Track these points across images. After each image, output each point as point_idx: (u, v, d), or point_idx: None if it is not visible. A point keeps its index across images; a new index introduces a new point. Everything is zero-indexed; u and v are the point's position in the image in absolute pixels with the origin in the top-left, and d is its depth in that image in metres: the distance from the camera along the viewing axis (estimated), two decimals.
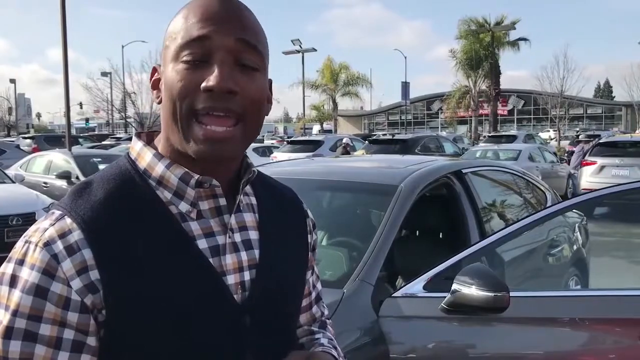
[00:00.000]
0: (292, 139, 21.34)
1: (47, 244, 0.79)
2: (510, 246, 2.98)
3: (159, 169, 0.88)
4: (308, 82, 38.79)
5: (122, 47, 35.14)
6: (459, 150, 17.47)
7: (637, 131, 32.72)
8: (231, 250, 0.90)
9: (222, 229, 0.90)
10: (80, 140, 26.04)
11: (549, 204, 4.25)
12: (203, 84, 0.81)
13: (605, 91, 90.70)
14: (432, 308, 2.20)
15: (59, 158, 10.68)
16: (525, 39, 37.01)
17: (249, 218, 0.95)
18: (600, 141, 13.01)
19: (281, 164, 4.28)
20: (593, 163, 11.70)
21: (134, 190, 0.86)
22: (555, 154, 17.29)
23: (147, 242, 0.83)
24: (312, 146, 16.94)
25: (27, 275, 0.78)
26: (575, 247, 4.17)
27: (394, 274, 3.34)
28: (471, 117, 37.80)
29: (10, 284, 0.79)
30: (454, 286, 2.11)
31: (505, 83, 38.01)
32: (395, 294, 2.30)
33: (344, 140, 16.25)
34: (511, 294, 2.00)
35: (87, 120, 55.00)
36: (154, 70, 0.91)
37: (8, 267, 0.80)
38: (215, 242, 0.89)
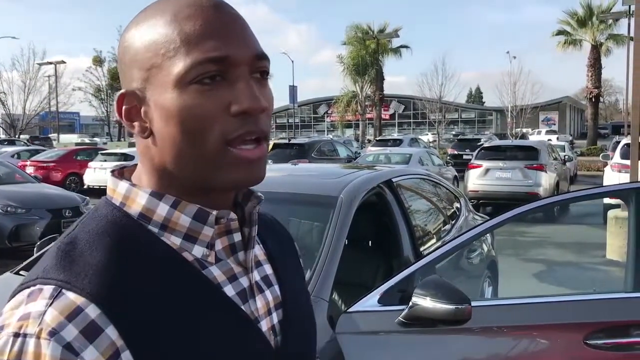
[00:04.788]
0: None
1: (54, 333, 0.58)
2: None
3: (161, 210, 0.70)
4: None
5: None
6: (352, 154, 17.89)
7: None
8: (257, 291, 0.78)
9: (242, 269, 0.77)
10: None
11: (462, 209, 4.43)
12: (235, 108, 0.67)
13: (476, 97, 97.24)
14: (388, 322, 2.19)
15: None
16: (406, 47, 38.78)
17: (258, 251, 0.83)
18: (485, 145, 13.89)
19: None
20: (479, 166, 12.45)
21: (137, 244, 0.68)
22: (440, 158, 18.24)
23: (174, 304, 0.67)
24: None
25: None
26: (486, 249, 4.38)
27: (339, 286, 3.32)
28: (357, 120, 38.96)
29: None
30: (413, 299, 2.11)
31: (386, 88, 39.60)
32: (350, 309, 2.26)
33: None
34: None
35: None
36: (124, 97, 0.70)
37: None
38: (241, 286, 0.75)
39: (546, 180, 11.97)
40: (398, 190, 3.36)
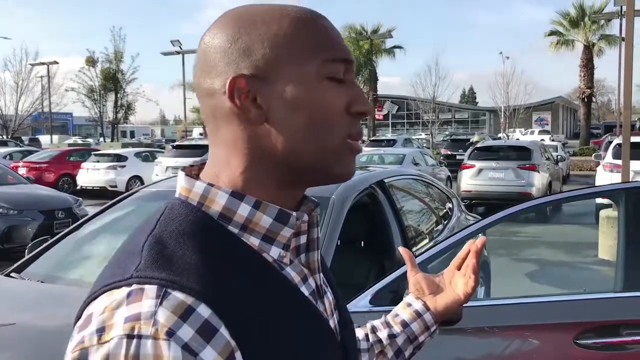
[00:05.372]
0: (177, 143, 20.58)
1: (171, 333, 0.56)
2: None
3: (242, 211, 0.69)
4: (189, 84, 37.87)
5: None
6: None
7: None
8: (322, 292, 0.78)
9: (308, 270, 0.77)
10: None
11: (454, 209, 4.44)
12: (356, 108, 0.72)
13: (469, 97, 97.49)
14: None
15: None
16: (400, 47, 38.87)
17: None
18: (477, 146, 13.93)
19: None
20: (471, 166, 12.49)
21: (223, 245, 0.68)
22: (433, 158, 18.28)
23: (266, 304, 0.66)
24: (199, 151, 16.48)
25: None
26: None
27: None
28: None
29: None
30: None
31: (380, 89, 39.67)
32: None
33: None
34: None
35: None
36: (235, 81, 0.69)
37: None
38: (311, 287, 0.76)
39: (539, 180, 12.02)
40: (390, 190, 3.37)
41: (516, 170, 12.00)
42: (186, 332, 0.57)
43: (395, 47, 38.66)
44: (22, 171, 15.91)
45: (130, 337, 0.56)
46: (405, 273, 2.40)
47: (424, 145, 28.63)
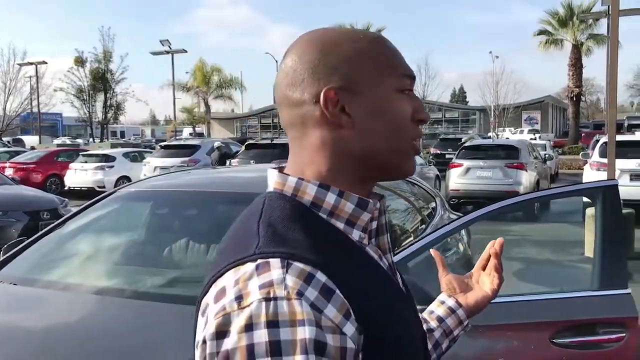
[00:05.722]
0: (165, 143, 20.48)
1: (300, 293, 0.67)
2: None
3: (330, 199, 0.82)
4: (179, 84, 37.77)
5: None
6: None
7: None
8: (394, 270, 0.92)
9: (380, 251, 0.90)
10: None
11: (438, 208, 4.43)
12: (419, 116, 0.87)
13: (460, 96, 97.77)
14: None
15: None
16: None
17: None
18: (465, 145, 13.96)
19: (169, 175, 4.02)
20: (460, 165, 12.51)
21: (321, 226, 0.80)
22: (422, 157, 18.28)
23: (363, 273, 0.79)
24: (188, 151, 16.41)
25: (294, 335, 0.65)
26: (462, 248, 4.38)
27: None
28: None
29: (273, 354, 0.64)
30: None
31: None
32: None
33: (215, 144, 15.92)
34: None
35: None
36: (332, 91, 0.82)
37: (255, 336, 0.65)
38: (386, 264, 0.89)
39: (526, 178, 12.06)
40: None
41: (504, 169, 12.03)
42: (311, 293, 0.68)
43: None
44: (9, 172, 15.78)
45: (267, 299, 0.66)
46: None
47: None
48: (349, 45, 0.84)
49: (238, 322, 0.66)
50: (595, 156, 11.38)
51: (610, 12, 17.37)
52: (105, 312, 2.33)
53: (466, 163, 12.44)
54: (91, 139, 41.43)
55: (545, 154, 15.72)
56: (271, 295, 0.67)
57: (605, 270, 2.29)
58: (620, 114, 63.63)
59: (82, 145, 29.93)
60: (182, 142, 20.15)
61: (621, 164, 10.42)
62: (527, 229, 10.02)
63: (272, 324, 0.65)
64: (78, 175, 16.98)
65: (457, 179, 12.40)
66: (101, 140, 38.44)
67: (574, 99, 36.07)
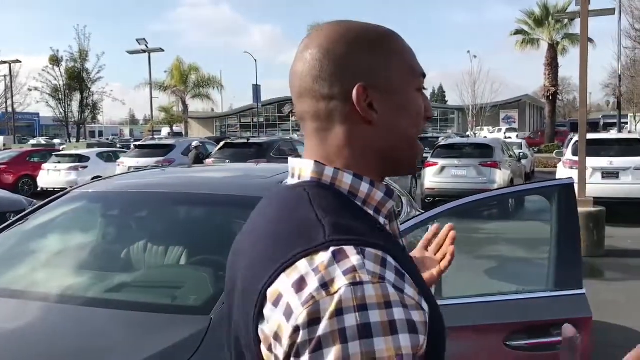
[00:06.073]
0: (140, 143, 20.22)
1: (382, 277, 0.71)
2: None
3: (364, 188, 0.86)
4: (156, 83, 37.37)
5: None
6: None
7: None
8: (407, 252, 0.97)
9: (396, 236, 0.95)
10: None
11: (404, 206, 4.39)
12: (429, 113, 0.93)
13: (439, 95, 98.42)
14: None
15: None
16: None
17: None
18: (440, 144, 13.99)
19: (127, 176, 3.90)
20: (435, 164, 12.53)
21: (363, 214, 0.84)
22: None
23: (403, 255, 0.83)
24: (162, 151, 16.21)
25: (383, 317, 0.68)
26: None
27: None
28: None
29: (364, 336, 0.67)
30: None
31: None
32: None
33: (193, 144, 15.78)
34: None
35: None
36: (363, 89, 0.85)
37: (347, 321, 0.67)
38: (404, 247, 0.95)
39: (500, 177, 12.11)
40: None
41: (478, 167, 12.08)
42: (390, 276, 0.71)
43: None
44: None
45: (354, 284, 0.68)
46: None
47: None
48: (377, 42, 0.88)
49: (329, 308, 0.68)
50: (568, 154, 11.48)
51: (580, 13, 17.56)
52: (49, 320, 2.23)
53: (441, 162, 12.47)
54: (68, 139, 40.79)
55: (519, 153, 15.81)
56: (357, 280, 0.69)
57: (561, 271, 2.26)
58: (596, 113, 64.59)
59: (57, 146, 29.46)
60: (156, 142, 19.90)
61: (593, 162, 10.51)
62: (501, 227, 10.05)
63: (362, 307, 0.68)
64: (51, 175, 16.69)
65: (432, 177, 12.42)
66: (77, 140, 37.86)
67: (551, 98, 36.42)
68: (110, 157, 17.82)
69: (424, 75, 0.92)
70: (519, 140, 22.83)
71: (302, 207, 0.81)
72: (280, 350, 0.71)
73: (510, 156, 13.77)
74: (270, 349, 0.73)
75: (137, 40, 31.23)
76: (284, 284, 0.72)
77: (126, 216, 3.10)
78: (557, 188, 2.34)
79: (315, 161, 0.87)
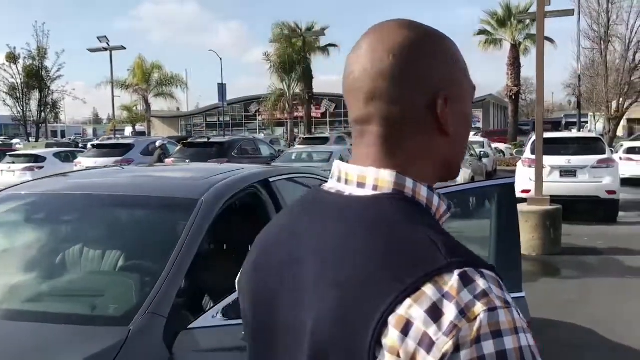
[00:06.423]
0: (97, 142, 19.76)
1: (507, 302, 0.70)
2: None
3: (435, 202, 0.84)
4: (118, 82, 36.59)
5: None
6: (275, 153, 17.65)
7: None
8: None
9: None
10: None
11: None
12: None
13: None
14: (233, 338, 1.99)
15: None
16: (334, 45, 38.84)
17: None
18: None
19: (54, 179, 3.67)
20: None
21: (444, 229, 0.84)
22: None
23: None
24: (120, 150, 15.85)
25: (516, 343, 0.67)
26: None
27: (200, 295, 3.09)
28: (287, 119, 38.69)
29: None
30: None
31: (318, 87, 39.49)
32: (191, 325, 2.04)
33: (157, 143, 15.52)
34: None
35: None
36: (442, 99, 0.84)
37: (485, 348, 0.66)
38: None
39: (461, 175, 12.10)
40: (276, 190, 3.17)
41: None
42: (509, 298, 0.71)
43: (329, 45, 38.45)
44: None
45: (490, 310, 0.67)
46: None
47: None
48: (450, 52, 0.87)
49: (469, 335, 0.66)
50: (527, 153, 11.58)
51: (546, 13, 17.78)
52: None
53: None
54: (27, 139, 39.67)
55: (480, 152, 15.94)
56: (492, 305, 0.68)
57: (499, 274, 2.18)
58: (558, 113, 65.86)
59: (14, 145, 28.60)
60: (114, 142, 19.49)
61: (551, 160, 10.63)
62: (463, 225, 10.05)
63: (497, 333, 0.67)
64: (5, 176, 16.14)
65: None
66: (37, 140, 36.86)
67: (513, 97, 36.93)
68: (68, 157, 17.36)
69: (474, 88, 0.92)
70: (482, 139, 23.09)
71: (403, 224, 0.77)
72: None
73: (472, 155, 13.84)
74: None
75: (99, 37, 30.59)
76: (413, 311, 0.68)
77: (51, 220, 2.92)
78: (497, 188, 2.27)
79: (397, 172, 0.82)
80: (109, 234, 2.80)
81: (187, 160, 12.70)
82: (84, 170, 4.34)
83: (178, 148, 15.19)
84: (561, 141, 12.02)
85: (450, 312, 0.67)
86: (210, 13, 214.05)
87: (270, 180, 3.20)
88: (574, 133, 17.68)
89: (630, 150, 17.56)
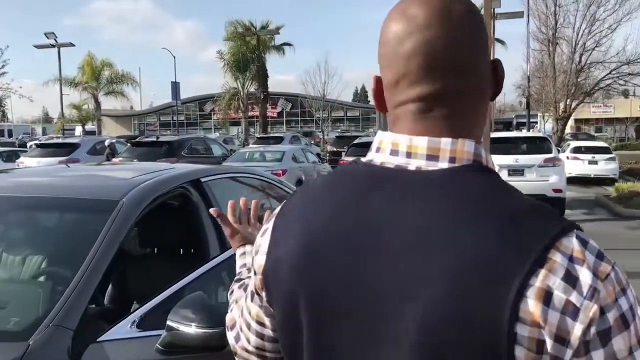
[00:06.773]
0: (41, 142, 19.10)
1: (611, 260, 0.72)
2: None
3: (493, 164, 0.84)
4: (67, 80, 35.45)
5: None
6: (227, 152, 17.41)
7: None
8: None
9: None
10: None
11: None
12: None
13: (362, 95, 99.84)
14: (147, 351, 1.85)
15: None
16: (289, 44, 38.68)
17: None
18: (355, 142, 14.00)
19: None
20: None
21: None
22: (318, 154, 18.26)
23: None
24: (66, 150, 15.33)
25: (633, 296, 0.71)
26: None
27: (127, 301, 2.92)
28: (242, 119, 38.31)
29: (634, 314, 0.70)
30: (168, 323, 1.80)
31: (274, 86, 39.33)
32: (101, 338, 1.88)
33: (106, 142, 15.15)
34: None
35: None
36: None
37: (622, 306, 0.69)
38: None
39: None
40: (207, 190, 3.02)
41: None
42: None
43: (284, 44, 38.21)
44: None
45: (613, 268, 0.71)
46: (183, 287, 2.07)
47: (313, 142, 28.72)
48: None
49: (609, 296, 0.68)
50: None
51: (496, 15, 18.18)
52: None
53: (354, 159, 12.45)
54: None
55: None
56: (612, 263, 0.71)
57: None
58: (510, 113, 67.48)
59: None
60: (59, 141, 18.89)
61: (500, 159, 10.80)
62: None
63: (624, 290, 0.70)
64: None
65: None
66: None
67: None
68: (10, 157, 16.70)
69: None
70: None
71: (501, 195, 0.75)
72: (567, 351, 0.67)
73: None
74: (540, 351, 0.67)
75: (46, 34, 29.65)
76: (550, 280, 0.68)
77: None
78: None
79: (475, 143, 0.80)
80: (24, 239, 2.61)
81: (135, 160, 12.36)
82: (7, 170, 4.09)
83: (126, 147, 14.79)
84: (509, 141, 12.23)
85: (585, 275, 0.68)
86: (166, 11, 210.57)
87: (202, 180, 3.05)
88: (522, 133, 18.06)
89: (577, 150, 18.05)
